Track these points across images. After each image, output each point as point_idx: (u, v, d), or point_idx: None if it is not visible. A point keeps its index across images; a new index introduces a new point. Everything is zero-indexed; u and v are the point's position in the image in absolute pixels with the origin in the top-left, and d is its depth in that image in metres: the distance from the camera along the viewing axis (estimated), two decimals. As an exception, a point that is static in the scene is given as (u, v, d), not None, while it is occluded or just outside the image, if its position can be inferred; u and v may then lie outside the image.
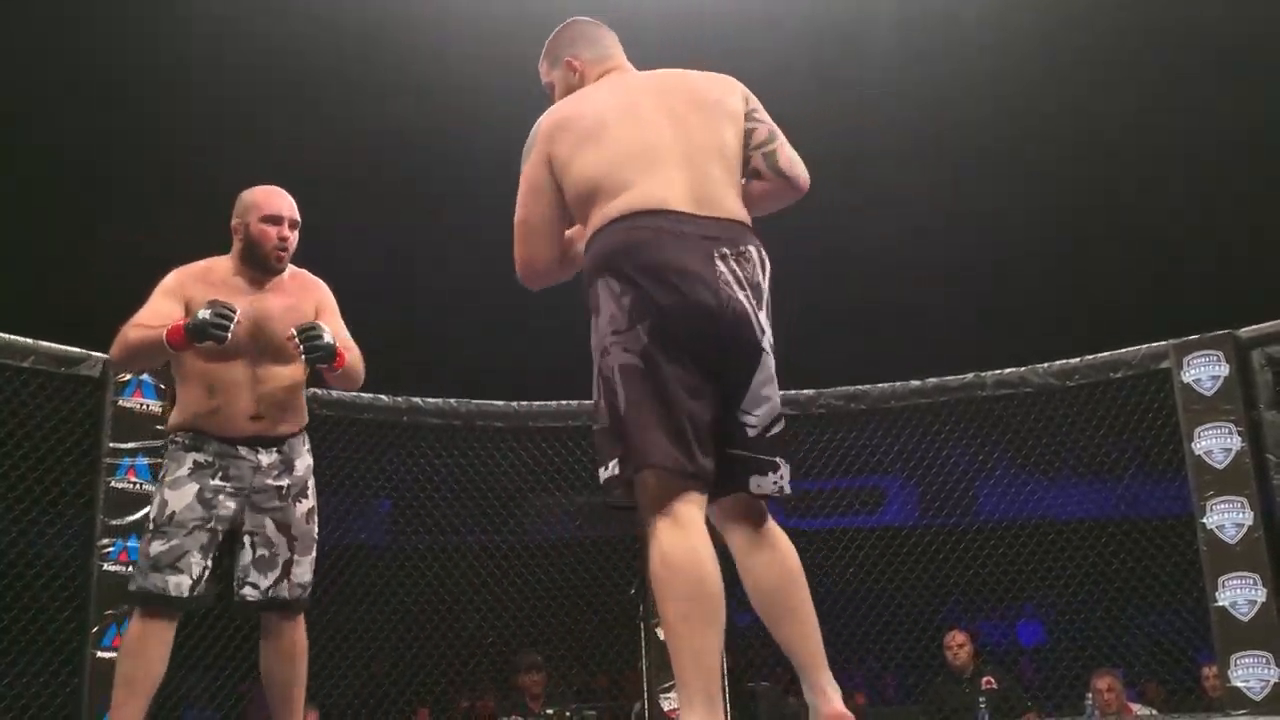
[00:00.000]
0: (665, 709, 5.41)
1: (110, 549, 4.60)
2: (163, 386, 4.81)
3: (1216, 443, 5.00)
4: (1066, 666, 5.92)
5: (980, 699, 5.64)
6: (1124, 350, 5.42)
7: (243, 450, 3.06)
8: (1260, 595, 4.78)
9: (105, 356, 4.75)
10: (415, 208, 8.51)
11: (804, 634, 2.23)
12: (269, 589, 3.05)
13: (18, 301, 6.77)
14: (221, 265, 3.17)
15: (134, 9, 7.37)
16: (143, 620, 2.97)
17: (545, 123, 2.35)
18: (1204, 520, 4.95)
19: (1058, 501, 6.28)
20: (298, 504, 3.13)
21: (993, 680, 5.71)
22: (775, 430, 2.24)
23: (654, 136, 2.24)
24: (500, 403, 5.80)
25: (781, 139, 2.38)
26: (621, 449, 2.12)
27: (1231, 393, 5.01)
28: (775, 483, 2.23)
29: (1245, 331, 5.09)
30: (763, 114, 2.39)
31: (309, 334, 2.96)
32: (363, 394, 5.65)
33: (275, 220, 3.09)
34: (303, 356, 2.98)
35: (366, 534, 6.57)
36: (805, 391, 5.90)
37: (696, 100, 2.32)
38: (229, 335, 2.87)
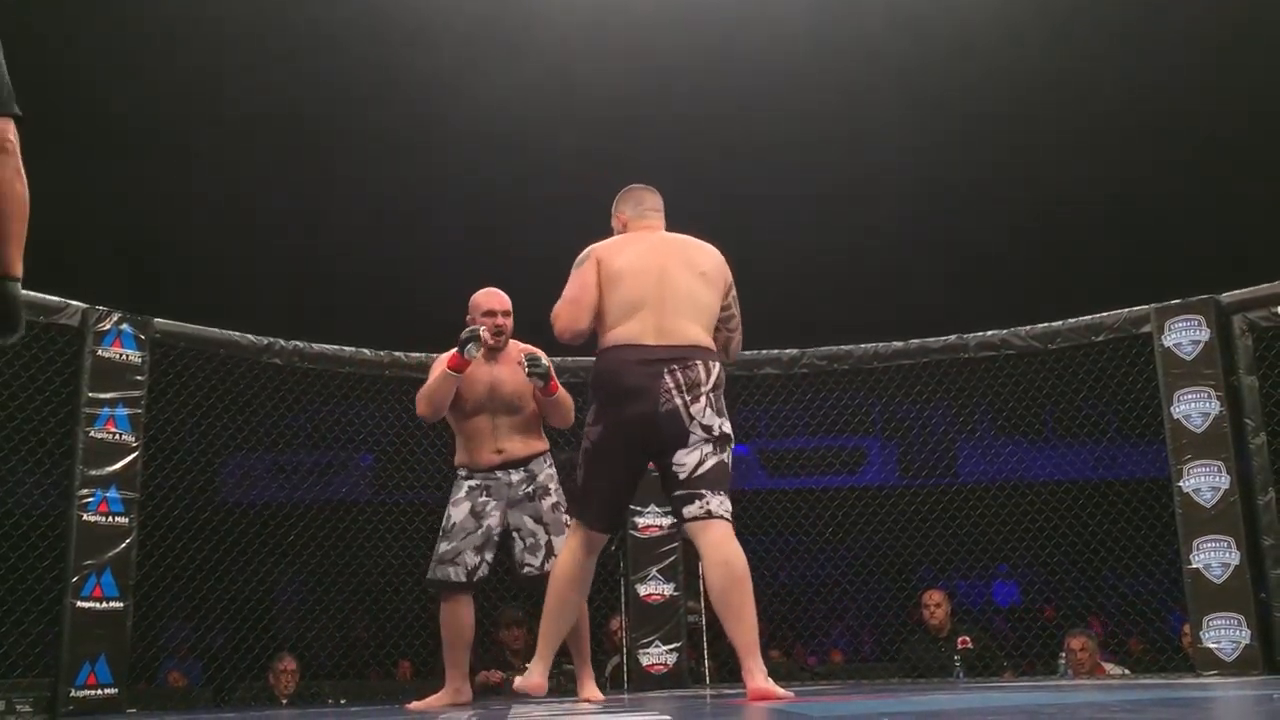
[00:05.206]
0: (644, 664, 5.46)
1: (90, 499, 4.59)
2: (142, 337, 4.86)
3: (1195, 407, 5.03)
4: (1041, 626, 5.97)
5: (955, 657, 5.69)
6: (1106, 314, 5.44)
7: (498, 474, 4.25)
8: (1234, 558, 4.83)
9: (84, 306, 4.72)
10: (397, 161, 8.43)
11: (740, 629, 3.12)
12: (541, 564, 4.16)
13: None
14: None
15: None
16: (444, 600, 4.18)
17: (599, 250, 3.47)
18: (1180, 483, 4.99)
19: (1037, 463, 6.33)
20: (544, 500, 4.26)
21: (968, 639, 5.76)
22: (700, 470, 3.23)
23: (646, 290, 3.34)
24: (483, 358, 5.78)
25: (739, 330, 3.58)
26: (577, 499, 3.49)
27: (1211, 357, 5.04)
28: (701, 508, 3.21)
29: (1226, 296, 5.12)
30: (736, 304, 3.53)
31: (532, 359, 4.12)
32: (345, 347, 5.64)
33: (491, 315, 4.29)
34: (526, 373, 4.09)
35: (348, 489, 6.57)
36: (789, 351, 5.90)
37: (687, 264, 3.41)
38: (481, 342, 4.06)
